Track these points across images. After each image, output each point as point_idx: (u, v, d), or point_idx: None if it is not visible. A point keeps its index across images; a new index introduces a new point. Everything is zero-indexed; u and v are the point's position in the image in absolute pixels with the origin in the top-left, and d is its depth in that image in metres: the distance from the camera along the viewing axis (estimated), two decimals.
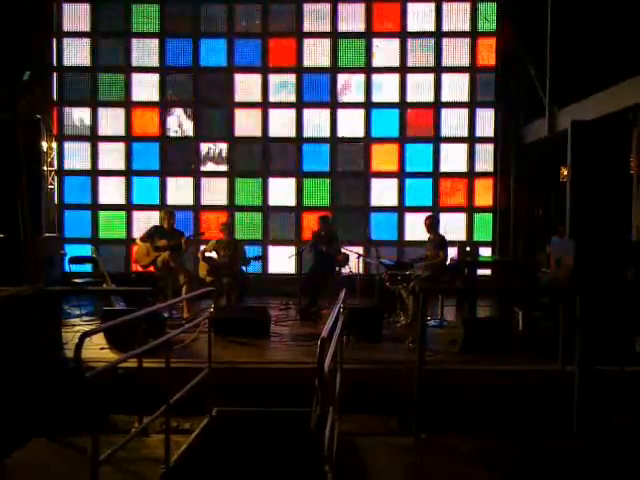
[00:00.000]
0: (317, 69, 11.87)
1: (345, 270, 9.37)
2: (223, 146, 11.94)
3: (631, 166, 7.83)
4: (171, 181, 11.94)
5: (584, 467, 4.36)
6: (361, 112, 11.88)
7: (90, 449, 3.11)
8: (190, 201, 11.89)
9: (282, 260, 11.33)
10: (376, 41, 11.87)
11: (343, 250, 9.34)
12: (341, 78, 11.88)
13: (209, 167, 11.95)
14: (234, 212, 11.84)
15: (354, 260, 9.38)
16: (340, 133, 11.89)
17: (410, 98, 11.85)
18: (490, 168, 11.84)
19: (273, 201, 11.92)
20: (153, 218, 11.30)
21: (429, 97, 11.85)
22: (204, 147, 11.94)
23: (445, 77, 11.86)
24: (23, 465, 4.28)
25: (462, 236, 11.66)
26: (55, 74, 11.87)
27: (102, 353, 6.57)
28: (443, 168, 11.89)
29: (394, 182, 11.90)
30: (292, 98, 11.90)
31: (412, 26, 11.81)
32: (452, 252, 9.15)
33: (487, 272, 10.08)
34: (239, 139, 11.91)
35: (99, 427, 3.21)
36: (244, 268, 9.03)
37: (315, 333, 7.51)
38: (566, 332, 4.84)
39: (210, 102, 11.88)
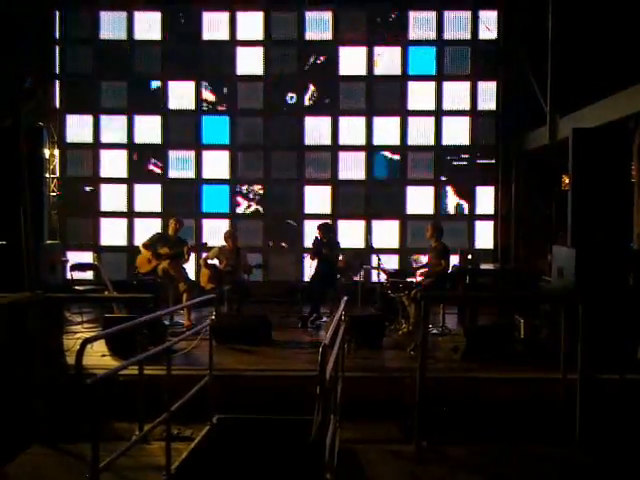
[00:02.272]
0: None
1: (346, 278, 9.36)
2: (225, 154, 12.00)
3: (632, 174, 7.83)
4: (173, 187, 11.99)
5: (586, 476, 4.33)
6: (362, 120, 11.91)
7: (90, 456, 3.10)
8: (192, 207, 11.93)
9: (284, 268, 11.33)
10: (378, 49, 11.92)
11: (344, 258, 9.34)
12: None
13: (210, 174, 12.00)
14: (237, 220, 11.88)
15: (355, 268, 9.38)
16: (342, 141, 11.93)
17: (411, 106, 11.88)
18: (492, 176, 11.84)
19: (275, 209, 11.97)
20: (154, 225, 11.34)
21: (431, 106, 11.88)
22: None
23: (446, 85, 11.89)
24: (23, 472, 4.26)
25: (464, 244, 11.66)
26: (57, 81, 11.93)
27: (103, 360, 6.56)
28: (445, 176, 11.91)
29: (396, 189, 11.92)
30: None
31: (413, 34, 11.86)
32: (454, 260, 9.15)
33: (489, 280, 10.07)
34: (241, 146, 11.98)
35: (99, 434, 3.20)
36: (246, 276, 9.03)
37: (316, 341, 7.52)
38: (568, 340, 4.82)
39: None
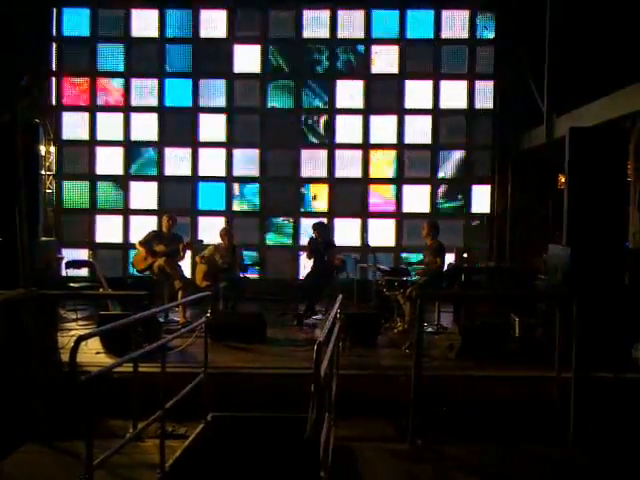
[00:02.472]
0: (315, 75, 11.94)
1: (342, 276, 9.36)
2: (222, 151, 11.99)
3: (628, 173, 7.85)
4: (169, 184, 11.96)
5: (582, 475, 4.34)
6: (359, 119, 11.90)
7: (84, 454, 3.09)
8: (188, 205, 11.89)
9: (279, 265, 11.30)
10: (375, 48, 11.90)
11: (340, 256, 9.34)
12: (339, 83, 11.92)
13: (207, 172, 11.97)
14: (233, 217, 11.86)
15: (351, 266, 9.38)
16: (338, 139, 11.92)
17: (408, 105, 11.87)
18: (488, 175, 11.84)
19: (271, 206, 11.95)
20: (150, 222, 11.31)
21: (428, 104, 11.87)
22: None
23: (444, 84, 11.88)
24: (19, 470, 4.24)
25: (459, 242, 11.66)
26: (54, 78, 11.89)
27: (98, 357, 6.54)
28: (441, 174, 11.91)
29: (392, 189, 11.92)
30: (290, 103, 11.92)
31: (411, 33, 11.84)
32: (449, 258, 9.16)
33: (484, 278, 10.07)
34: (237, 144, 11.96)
35: (93, 432, 3.19)
36: (241, 273, 9.01)
37: (312, 338, 7.50)
38: (563, 338, 4.83)
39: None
